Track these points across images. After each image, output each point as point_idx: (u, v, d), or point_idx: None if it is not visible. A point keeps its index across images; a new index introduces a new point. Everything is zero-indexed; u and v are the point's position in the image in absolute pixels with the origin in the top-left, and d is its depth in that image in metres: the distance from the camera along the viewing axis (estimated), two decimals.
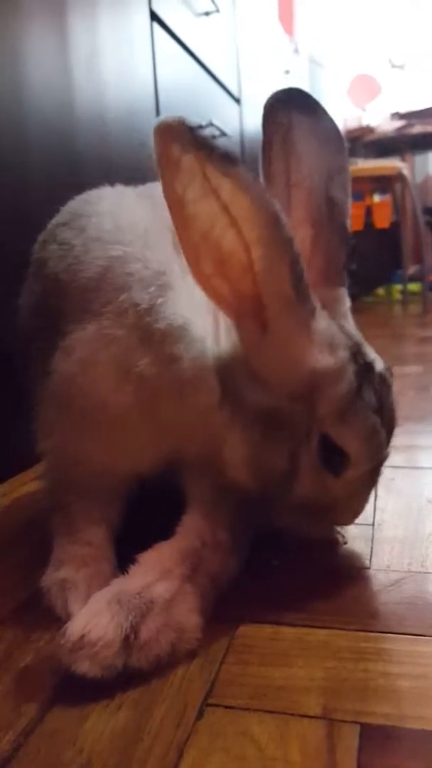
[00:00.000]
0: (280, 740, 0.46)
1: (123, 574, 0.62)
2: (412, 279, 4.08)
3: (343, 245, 0.69)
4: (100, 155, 1.36)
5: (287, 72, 3.58)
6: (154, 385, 0.64)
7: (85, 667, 0.52)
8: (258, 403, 0.64)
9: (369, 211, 3.81)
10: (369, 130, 4.40)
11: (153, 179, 0.76)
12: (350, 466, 0.64)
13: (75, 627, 0.53)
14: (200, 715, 0.49)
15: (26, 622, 0.63)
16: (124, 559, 0.64)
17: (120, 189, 0.82)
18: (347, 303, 0.70)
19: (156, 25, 1.65)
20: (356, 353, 0.65)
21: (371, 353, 0.67)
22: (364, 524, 0.77)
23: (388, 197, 3.92)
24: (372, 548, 0.74)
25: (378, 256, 4.13)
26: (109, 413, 0.65)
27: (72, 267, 0.70)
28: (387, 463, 0.69)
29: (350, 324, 0.69)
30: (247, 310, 0.61)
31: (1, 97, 1.05)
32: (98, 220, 0.71)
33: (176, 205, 0.55)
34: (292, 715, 0.49)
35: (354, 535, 0.76)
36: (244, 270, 0.59)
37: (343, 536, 0.75)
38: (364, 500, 0.70)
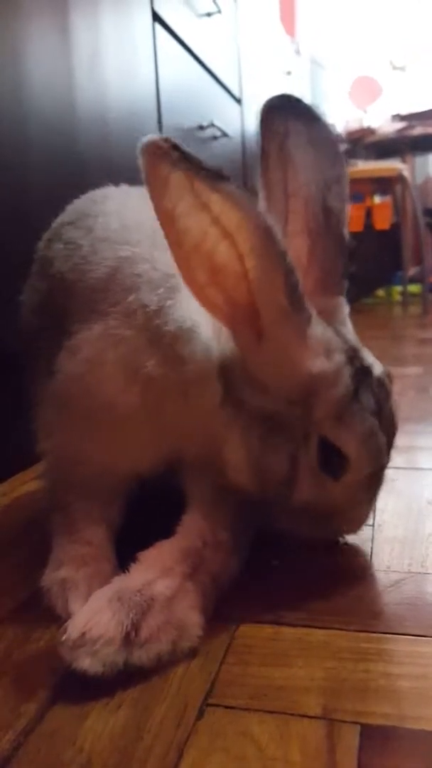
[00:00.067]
0: (280, 740, 0.46)
1: (124, 573, 0.62)
2: (413, 280, 4.07)
3: (340, 255, 0.69)
4: (102, 155, 1.36)
5: (288, 73, 3.58)
6: (160, 386, 0.64)
7: (86, 664, 0.52)
8: (257, 406, 0.64)
9: (369, 213, 3.80)
10: (370, 131, 4.40)
11: None
12: (350, 469, 0.64)
13: (76, 624, 0.54)
14: (200, 714, 0.49)
15: (26, 621, 0.63)
16: (124, 558, 0.64)
17: (125, 189, 0.82)
18: (346, 311, 0.70)
19: (158, 26, 1.65)
20: (353, 357, 0.65)
21: (369, 357, 0.67)
22: (364, 525, 0.77)
23: (388, 199, 3.92)
24: (372, 549, 0.74)
25: (378, 258, 4.13)
26: (114, 413, 0.65)
27: (79, 266, 0.70)
28: (385, 473, 0.68)
29: (348, 330, 0.69)
30: (243, 319, 0.61)
31: (2, 97, 1.05)
32: (105, 220, 0.72)
33: (167, 220, 0.55)
34: (292, 715, 0.49)
35: (354, 536, 0.76)
36: (238, 279, 0.59)
37: (343, 537, 0.75)
38: (366, 508, 0.69)
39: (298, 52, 4.07)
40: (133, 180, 0.84)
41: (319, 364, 0.62)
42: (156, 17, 1.64)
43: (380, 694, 0.50)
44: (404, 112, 4.47)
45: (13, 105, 1.08)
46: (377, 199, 3.86)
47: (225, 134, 2.12)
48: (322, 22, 4.88)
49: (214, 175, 0.53)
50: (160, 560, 0.62)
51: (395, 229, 3.90)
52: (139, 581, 0.59)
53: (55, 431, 0.72)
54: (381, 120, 4.64)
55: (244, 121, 2.57)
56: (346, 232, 0.69)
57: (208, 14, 2.05)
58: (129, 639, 0.54)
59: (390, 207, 3.87)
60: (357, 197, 3.72)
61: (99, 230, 0.71)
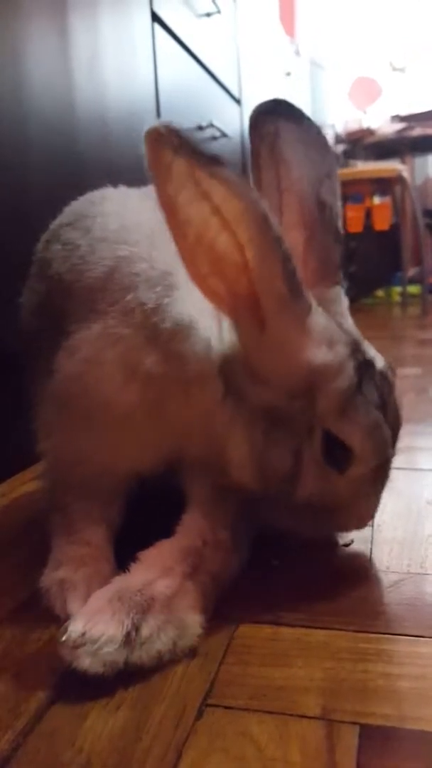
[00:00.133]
0: (279, 741, 0.46)
1: (123, 573, 0.62)
2: (412, 281, 4.08)
3: (336, 245, 0.70)
4: (101, 155, 1.36)
5: (288, 74, 3.59)
6: (160, 384, 0.64)
7: (86, 663, 0.52)
8: (259, 401, 0.64)
9: (369, 213, 3.81)
10: (369, 132, 4.41)
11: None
12: (354, 463, 0.64)
13: (76, 624, 0.54)
14: (199, 715, 0.49)
15: (25, 621, 0.63)
16: (124, 558, 0.64)
17: (123, 190, 0.82)
18: (345, 302, 0.71)
19: (157, 26, 1.66)
20: (355, 350, 0.65)
21: (371, 351, 0.68)
22: (369, 520, 0.76)
23: (388, 199, 3.92)
24: (371, 549, 0.74)
25: (377, 258, 4.13)
26: (114, 412, 0.65)
27: (77, 267, 0.70)
28: (390, 468, 0.68)
29: (349, 322, 0.69)
30: (244, 309, 0.62)
31: (1, 97, 1.05)
32: (103, 221, 0.72)
33: (169, 209, 0.55)
34: (291, 715, 0.49)
35: (353, 537, 0.76)
36: (239, 270, 0.59)
37: (344, 536, 0.75)
38: (372, 503, 0.69)
39: (297, 52, 4.08)
40: (132, 180, 0.84)
41: (321, 356, 0.62)
42: (155, 17, 1.64)
43: (379, 695, 0.50)
44: (404, 113, 4.47)
45: (12, 105, 1.08)
46: (377, 200, 3.86)
47: (224, 135, 2.12)
48: (321, 23, 4.88)
49: (213, 162, 0.53)
50: (160, 560, 0.62)
51: (395, 229, 3.90)
52: (140, 581, 0.59)
53: (55, 431, 0.72)
54: (380, 121, 4.64)
55: (243, 121, 2.57)
56: (340, 224, 0.70)
57: (208, 14, 2.05)
58: (129, 638, 0.54)
59: (389, 208, 3.88)
60: (356, 198, 3.73)
61: (97, 231, 0.71)
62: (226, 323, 0.66)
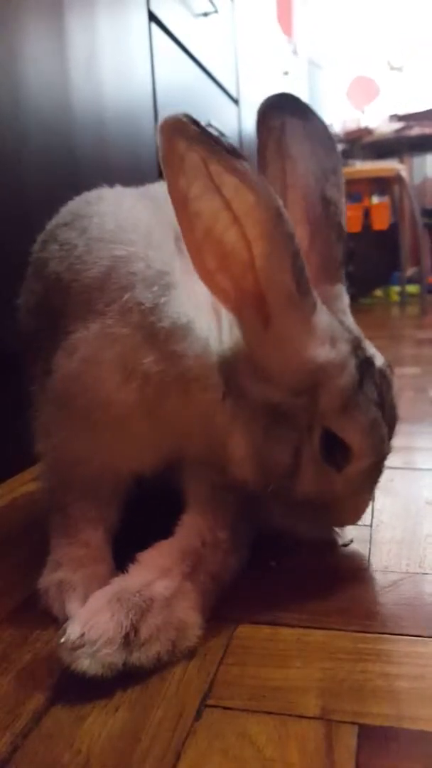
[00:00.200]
0: (278, 741, 0.46)
1: (122, 573, 0.62)
2: (410, 281, 4.08)
3: (339, 242, 0.70)
4: (98, 155, 1.36)
5: (286, 73, 3.59)
6: (159, 383, 0.64)
7: (85, 665, 0.52)
8: (260, 398, 0.64)
9: (367, 213, 3.81)
10: (367, 131, 4.41)
11: (151, 180, 0.77)
12: (352, 460, 0.64)
13: (75, 625, 0.54)
14: (198, 716, 0.49)
15: (24, 622, 0.63)
16: (124, 558, 0.64)
17: (119, 190, 0.82)
18: (346, 299, 0.71)
19: (154, 26, 1.65)
20: (357, 347, 0.65)
21: (371, 349, 0.68)
22: (362, 525, 0.77)
23: (386, 199, 3.92)
24: (370, 549, 0.74)
25: (376, 258, 4.14)
26: (112, 412, 0.65)
27: (74, 267, 0.70)
28: (385, 464, 0.69)
29: (350, 320, 0.70)
30: (250, 306, 0.62)
31: None
32: (100, 221, 0.72)
33: (180, 202, 0.56)
34: (290, 715, 0.49)
35: (352, 537, 0.76)
36: (246, 266, 0.59)
37: (342, 537, 0.75)
38: (366, 499, 0.70)
39: (295, 52, 4.08)
40: (129, 180, 0.84)
41: (324, 353, 0.63)
42: (152, 17, 1.64)
43: (378, 695, 0.50)
44: (402, 112, 4.48)
45: (9, 105, 1.08)
46: (375, 200, 3.86)
47: (222, 134, 2.12)
48: (319, 23, 4.88)
49: (230, 154, 0.53)
50: (159, 561, 0.62)
51: (393, 229, 3.91)
52: (138, 582, 0.59)
53: (53, 431, 0.72)
54: (379, 120, 4.64)
55: (241, 121, 2.57)
56: (343, 221, 0.70)
57: (205, 14, 2.05)
58: (128, 640, 0.54)
59: (388, 207, 3.88)
60: (355, 197, 3.73)
61: (94, 230, 0.71)
62: (227, 321, 0.66)
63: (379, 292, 4.48)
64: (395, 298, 4.25)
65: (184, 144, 0.52)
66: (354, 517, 0.71)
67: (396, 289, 4.23)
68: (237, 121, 2.54)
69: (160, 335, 0.64)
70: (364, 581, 0.68)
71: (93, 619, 0.54)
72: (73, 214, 0.76)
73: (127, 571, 0.62)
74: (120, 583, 0.59)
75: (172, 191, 0.55)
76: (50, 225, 0.79)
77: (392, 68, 5.04)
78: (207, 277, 0.61)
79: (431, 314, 3.43)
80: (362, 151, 4.39)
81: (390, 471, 0.69)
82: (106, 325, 0.65)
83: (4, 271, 0.89)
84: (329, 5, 5.02)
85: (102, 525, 0.71)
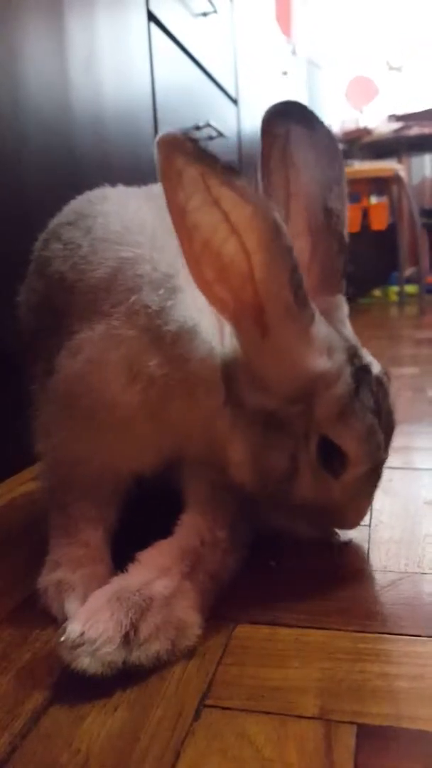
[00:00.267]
0: (277, 741, 0.46)
1: (122, 573, 0.62)
2: (409, 281, 4.08)
3: (341, 254, 0.70)
4: (98, 155, 1.36)
5: (285, 73, 3.58)
6: (163, 386, 0.65)
7: (85, 663, 0.52)
8: (258, 405, 0.64)
9: (366, 213, 3.81)
10: (366, 131, 4.40)
11: (150, 179, 0.77)
12: (349, 467, 0.65)
13: (75, 624, 0.54)
14: (197, 716, 0.49)
15: (23, 622, 0.63)
16: (123, 558, 0.64)
17: (123, 189, 0.82)
18: (345, 309, 0.71)
19: (153, 26, 1.65)
20: (353, 356, 0.66)
21: (368, 357, 0.68)
22: (361, 525, 0.76)
23: (384, 199, 3.92)
24: (369, 549, 0.74)
25: (375, 258, 4.14)
26: (116, 413, 0.65)
27: (79, 266, 0.70)
28: (383, 470, 0.69)
29: (348, 329, 0.70)
30: (248, 316, 0.62)
31: None
32: (105, 221, 0.72)
33: (178, 215, 0.56)
34: (289, 716, 0.49)
35: (351, 536, 0.76)
36: (244, 277, 0.59)
37: (341, 536, 0.75)
38: (365, 504, 0.70)
39: (294, 52, 4.08)
40: (129, 179, 0.84)
41: (321, 364, 0.63)
42: (151, 17, 1.64)
43: (377, 695, 0.50)
44: (401, 112, 4.47)
45: (9, 105, 1.08)
46: (374, 200, 3.86)
47: (221, 134, 2.12)
48: (318, 22, 4.88)
49: (228, 171, 0.53)
50: (158, 560, 0.62)
51: (392, 229, 3.90)
52: (138, 581, 0.59)
53: (54, 431, 0.72)
54: (377, 120, 4.64)
55: (240, 121, 2.57)
56: (345, 232, 0.70)
57: (204, 14, 2.05)
58: (128, 639, 0.54)
59: (386, 207, 3.88)
60: (353, 198, 3.72)
61: (99, 231, 0.71)
62: (228, 328, 0.66)
63: (377, 292, 4.48)
64: (394, 298, 4.25)
65: (182, 160, 0.52)
66: (353, 523, 0.72)
67: (394, 289, 4.23)
68: (236, 120, 2.54)
69: (166, 338, 0.64)
70: (363, 581, 0.68)
71: (93, 618, 0.54)
72: (77, 214, 0.76)
73: (126, 570, 0.62)
74: (120, 582, 0.59)
75: (170, 204, 0.55)
76: (53, 223, 0.79)
77: (391, 68, 5.04)
78: (205, 287, 0.61)
79: (430, 314, 3.43)
80: (361, 151, 4.38)
81: (389, 471, 0.70)
82: (112, 327, 0.65)
83: (3, 271, 0.89)
84: (328, 5, 5.02)
85: (102, 525, 0.71)
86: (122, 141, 1.46)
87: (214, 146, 2.10)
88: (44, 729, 0.49)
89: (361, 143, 4.35)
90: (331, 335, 0.65)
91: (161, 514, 0.69)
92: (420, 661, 0.54)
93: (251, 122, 2.61)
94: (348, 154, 4.25)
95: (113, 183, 0.83)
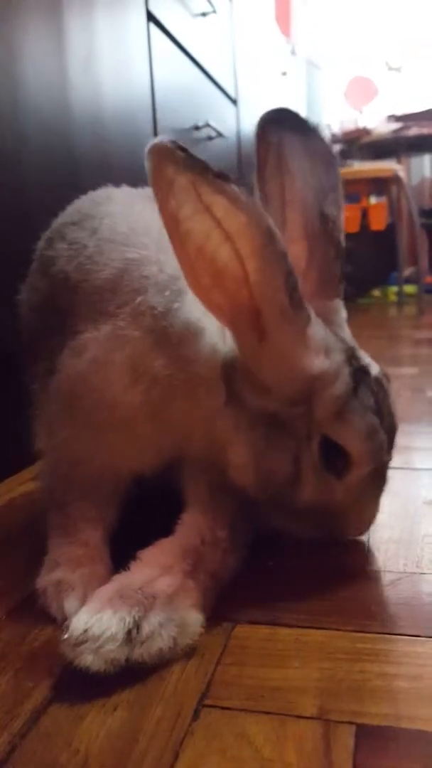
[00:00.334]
0: (276, 741, 0.46)
1: (122, 572, 0.62)
2: (408, 281, 4.08)
3: (338, 259, 0.70)
4: (97, 155, 1.36)
5: (284, 73, 3.58)
6: (166, 387, 0.65)
7: (88, 660, 0.52)
8: (259, 407, 0.65)
9: (365, 213, 3.81)
10: (365, 132, 4.40)
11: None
12: (353, 467, 0.65)
13: (78, 621, 0.54)
14: (196, 716, 0.49)
15: (23, 622, 0.63)
16: (123, 558, 0.64)
17: (127, 190, 0.82)
18: (343, 314, 0.72)
19: (153, 26, 1.65)
20: (351, 357, 0.66)
21: (366, 358, 0.68)
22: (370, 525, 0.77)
23: (384, 199, 3.92)
24: (368, 549, 0.74)
25: (374, 258, 4.13)
26: (119, 413, 0.66)
27: (84, 267, 0.70)
28: (387, 473, 0.69)
29: (346, 333, 0.70)
30: (244, 320, 0.62)
31: None
32: (111, 222, 0.72)
33: (171, 222, 0.56)
34: (288, 715, 0.49)
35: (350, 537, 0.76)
36: (239, 282, 0.60)
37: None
38: (370, 508, 0.70)
39: (293, 52, 4.08)
40: (128, 179, 0.84)
41: (318, 364, 0.63)
42: (151, 17, 1.64)
43: (376, 695, 0.51)
44: (400, 112, 4.47)
45: (9, 105, 1.08)
46: (373, 200, 3.86)
47: (220, 134, 2.12)
48: (317, 23, 4.88)
49: (219, 178, 0.53)
50: (160, 558, 0.63)
51: (391, 229, 3.90)
52: (141, 579, 0.59)
53: (56, 430, 0.72)
54: (377, 120, 4.64)
55: (239, 121, 2.57)
56: (342, 237, 0.70)
57: (203, 14, 2.05)
58: (131, 636, 0.54)
59: (385, 208, 3.88)
60: (353, 198, 3.73)
61: (105, 232, 0.71)
62: (228, 331, 0.66)
63: (376, 293, 4.48)
64: (393, 298, 4.25)
65: (173, 168, 0.53)
66: (359, 528, 0.72)
67: (393, 289, 4.23)
68: (235, 121, 2.54)
69: (171, 340, 0.65)
70: (362, 581, 0.68)
71: (96, 615, 0.54)
72: (82, 214, 0.76)
73: (127, 568, 0.62)
74: (122, 580, 0.60)
75: (163, 212, 0.55)
76: (56, 223, 0.79)
77: (390, 69, 5.04)
78: (201, 293, 0.61)
79: (429, 314, 3.43)
80: (360, 151, 4.38)
81: (388, 471, 0.69)
82: (118, 327, 0.65)
83: (3, 271, 0.89)
84: (328, 5, 5.02)
85: (101, 525, 0.71)
86: (121, 141, 1.46)
87: (213, 146, 2.11)
88: (44, 728, 0.49)
89: (360, 143, 4.34)
90: (328, 336, 0.65)
91: (161, 514, 0.69)
92: (419, 661, 0.54)
93: (250, 122, 2.61)
94: (347, 155, 4.25)
95: (113, 183, 0.83)
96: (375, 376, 0.67)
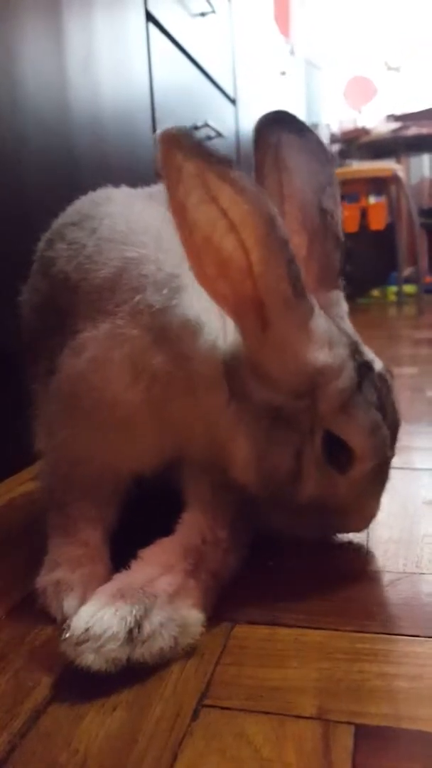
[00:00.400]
0: (275, 741, 0.46)
1: (123, 571, 0.62)
2: (408, 281, 4.08)
3: (337, 250, 0.71)
4: (96, 155, 1.36)
5: (283, 73, 3.59)
6: (166, 384, 0.65)
7: (89, 660, 0.52)
8: (262, 401, 0.65)
9: (364, 213, 3.82)
10: (364, 131, 4.41)
11: (148, 178, 0.77)
12: (355, 462, 0.65)
13: (79, 620, 0.54)
14: (195, 716, 0.49)
15: (22, 622, 0.63)
16: (124, 557, 0.64)
17: (127, 190, 0.82)
18: (345, 306, 0.72)
19: (152, 26, 1.65)
20: (355, 351, 0.66)
21: (369, 353, 0.69)
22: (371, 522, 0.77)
23: (383, 199, 3.93)
24: (367, 549, 0.74)
25: (373, 258, 4.14)
26: (119, 412, 0.66)
27: (83, 266, 0.70)
28: (389, 470, 0.68)
29: (348, 325, 0.70)
30: (249, 311, 0.62)
31: None
32: (111, 222, 0.72)
33: (179, 211, 0.56)
34: (287, 716, 0.49)
35: (349, 537, 0.76)
36: (244, 272, 0.60)
37: (340, 537, 0.75)
38: (373, 506, 0.70)
39: (292, 52, 4.08)
40: (127, 179, 0.84)
41: (322, 357, 0.63)
42: (150, 17, 1.64)
43: (376, 695, 0.51)
44: (399, 112, 4.48)
45: (8, 105, 1.08)
46: (372, 200, 3.87)
47: (219, 134, 2.12)
48: (316, 23, 4.88)
49: (224, 164, 0.54)
50: (161, 557, 0.63)
51: (390, 229, 3.90)
52: (142, 578, 0.59)
53: (56, 430, 0.72)
54: (376, 120, 4.64)
55: (238, 121, 2.57)
56: (341, 230, 0.71)
57: (202, 14, 2.05)
58: (132, 635, 0.54)
59: (385, 207, 3.88)
60: (352, 198, 3.73)
61: (104, 231, 0.71)
62: (232, 325, 0.66)
63: (376, 292, 4.48)
64: (392, 298, 4.25)
65: (181, 155, 0.53)
66: (361, 524, 0.71)
67: (393, 289, 4.23)
68: (234, 120, 2.54)
69: (170, 337, 0.65)
70: (361, 581, 0.68)
71: (97, 615, 0.54)
72: (82, 214, 0.76)
73: (128, 567, 0.62)
74: (123, 579, 0.60)
75: (171, 200, 0.56)
76: (56, 224, 0.79)
77: (389, 68, 5.04)
78: (207, 283, 0.62)
79: (428, 314, 3.43)
80: (359, 151, 4.39)
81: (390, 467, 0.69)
82: (117, 326, 0.66)
83: (3, 271, 0.89)
84: (326, 5, 5.03)
85: (101, 525, 0.71)
86: (121, 141, 1.46)
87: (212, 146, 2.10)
88: (43, 728, 0.49)
89: (359, 143, 4.35)
90: (331, 330, 0.65)
91: (161, 513, 0.69)
92: (418, 661, 0.54)
93: (249, 122, 2.61)
94: (346, 154, 4.26)
95: (112, 182, 0.83)
96: (378, 372, 0.67)
